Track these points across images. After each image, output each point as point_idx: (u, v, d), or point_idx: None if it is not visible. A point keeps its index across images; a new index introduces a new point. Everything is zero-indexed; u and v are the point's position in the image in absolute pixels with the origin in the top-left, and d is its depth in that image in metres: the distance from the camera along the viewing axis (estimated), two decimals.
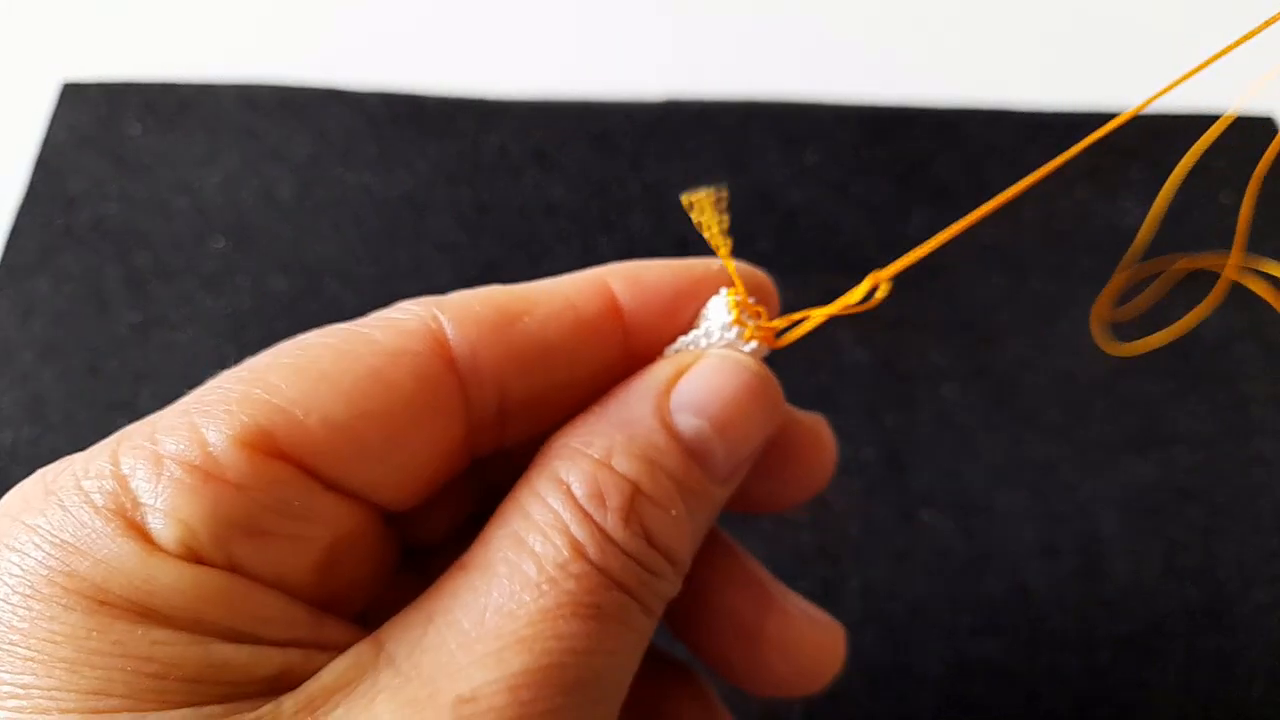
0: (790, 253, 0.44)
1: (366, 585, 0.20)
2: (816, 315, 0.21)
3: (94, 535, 0.16)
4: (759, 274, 0.22)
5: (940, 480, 0.39)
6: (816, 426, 0.23)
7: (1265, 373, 0.42)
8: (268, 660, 0.16)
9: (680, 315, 0.21)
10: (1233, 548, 0.38)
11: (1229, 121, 0.42)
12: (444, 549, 0.19)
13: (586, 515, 0.18)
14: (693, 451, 0.19)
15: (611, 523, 0.18)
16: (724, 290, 0.21)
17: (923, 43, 0.53)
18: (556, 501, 0.18)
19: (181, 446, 0.17)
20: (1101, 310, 0.33)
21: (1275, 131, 0.48)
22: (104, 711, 0.15)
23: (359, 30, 0.53)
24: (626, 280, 0.21)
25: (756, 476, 0.22)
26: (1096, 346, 0.43)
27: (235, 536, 0.16)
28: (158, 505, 0.16)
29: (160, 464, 0.16)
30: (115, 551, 0.16)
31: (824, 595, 0.37)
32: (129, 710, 0.15)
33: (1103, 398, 0.41)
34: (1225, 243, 0.45)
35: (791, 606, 0.23)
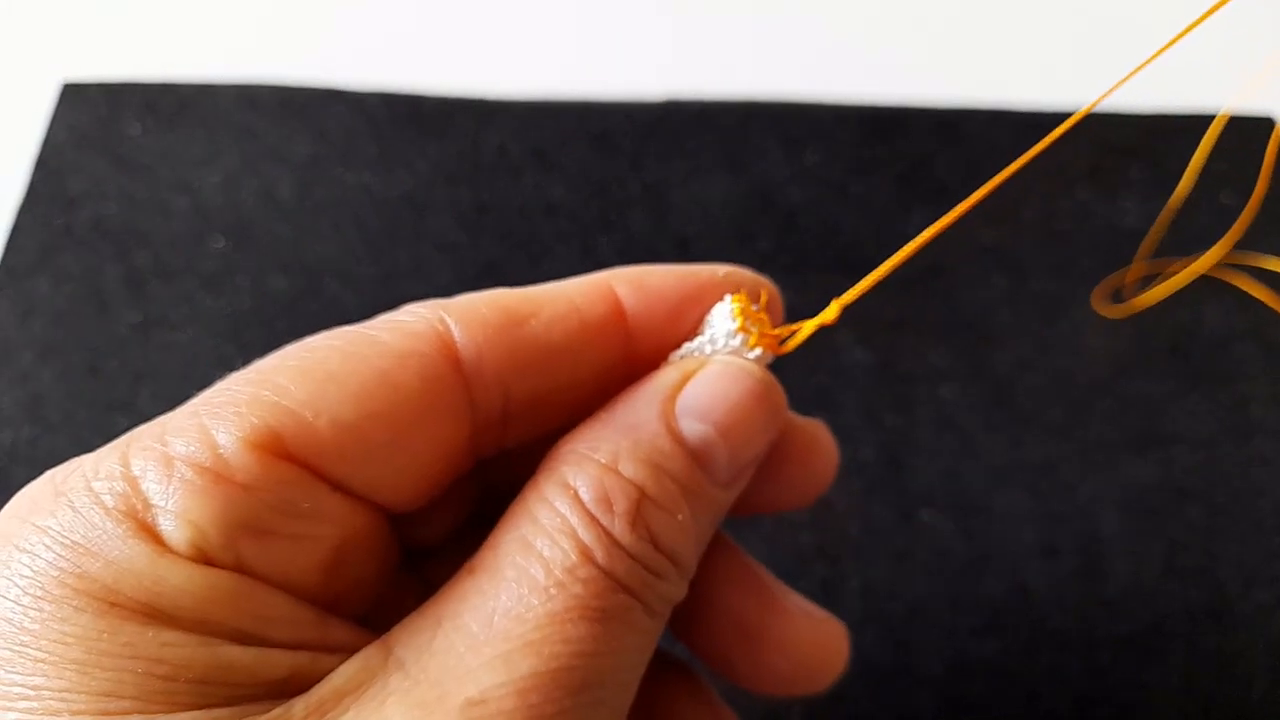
0: (790, 253, 0.44)
1: (371, 587, 0.20)
2: (808, 326, 0.21)
3: (104, 536, 0.16)
4: (764, 281, 0.22)
5: (940, 480, 0.39)
6: (817, 432, 0.24)
7: (1265, 373, 0.42)
8: (276, 662, 0.16)
9: (684, 321, 0.21)
10: (1233, 548, 0.38)
11: (1225, 121, 0.42)
12: (445, 550, 0.20)
13: (593, 520, 0.18)
14: (698, 456, 0.19)
15: (619, 527, 0.18)
16: (728, 297, 0.21)
17: (923, 43, 0.53)
18: (564, 506, 0.18)
19: (192, 448, 0.17)
20: (1108, 287, 0.33)
21: (1275, 131, 0.48)
22: (114, 713, 0.15)
23: (359, 30, 0.53)
24: (631, 285, 0.21)
25: (758, 481, 0.22)
26: (1096, 347, 0.43)
27: (244, 538, 0.17)
28: (168, 507, 0.16)
29: (170, 465, 0.16)
30: (126, 553, 0.16)
31: (824, 595, 0.37)
32: (139, 712, 0.15)
33: (1103, 398, 0.41)
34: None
35: (793, 606, 0.24)
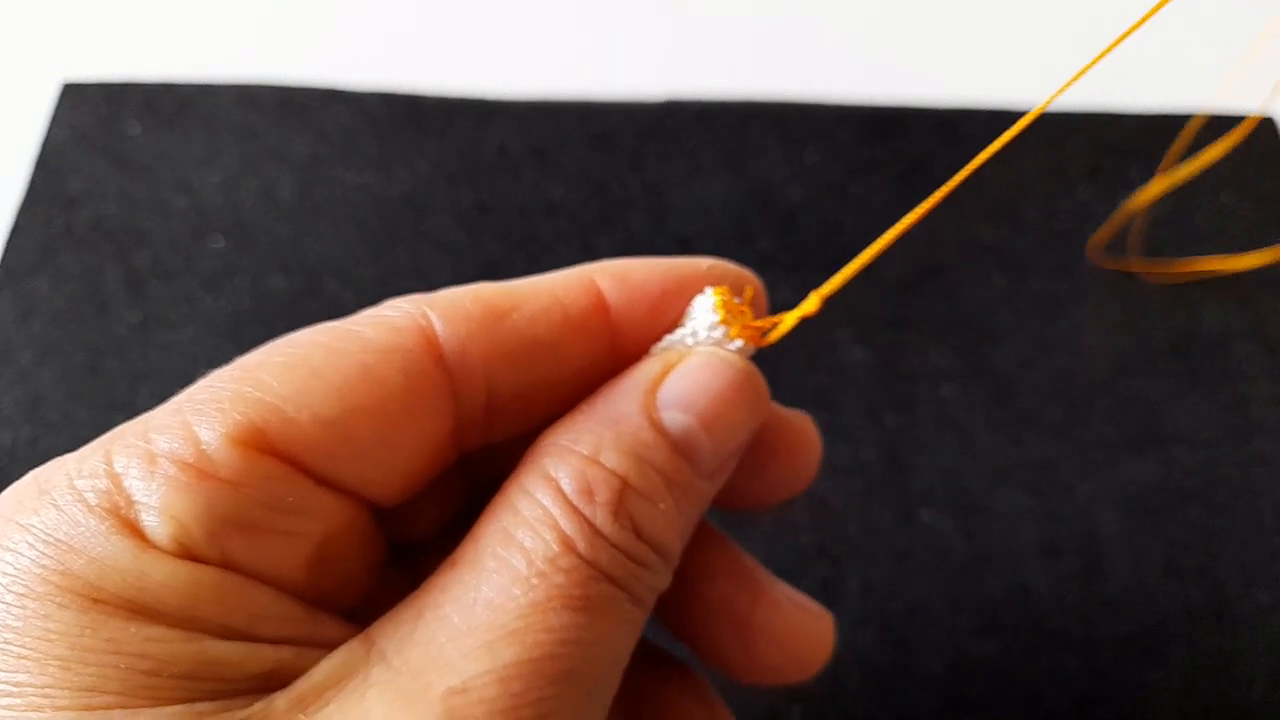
0: (790, 253, 0.44)
1: (357, 582, 0.20)
2: (789, 319, 0.21)
3: (88, 534, 0.16)
4: (746, 273, 0.22)
5: (940, 480, 0.39)
6: (801, 423, 0.24)
7: (1265, 373, 0.42)
8: (261, 657, 0.16)
9: (667, 313, 0.21)
10: (1233, 548, 0.38)
11: (1224, 122, 0.42)
12: (432, 546, 0.20)
13: (575, 510, 0.18)
14: (680, 447, 0.19)
15: (600, 517, 0.18)
16: (710, 289, 0.21)
17: (923, 43, 0.53)
18: (545, 497, 0.18)
19: (175, 444, 0.17)
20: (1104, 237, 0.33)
21: (1276, 131, 0.48)
22: (97, 708, 0.15)
23: (358, 30, 0.53)
24: (614, 278, 0.21)
25: (743, 472, 0.22)
26: (1097, 346, 0.43)
27: (229, 533, 0.17)
28: (151, 503, 0.16)
29: (154, 462, 0.17)
30: (109, 549, 0.16)
31: (824, 595, 0.37)
32: (122, 707, 0.15)
33: (1103, 398, 0.41)
34: (1224, 242, 0.45)
35: (780, 595, 0.24)
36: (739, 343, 0.21)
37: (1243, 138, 0.42)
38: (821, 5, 0.54)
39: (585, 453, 0.18)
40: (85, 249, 0.44)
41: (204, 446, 0.17)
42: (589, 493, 0.18)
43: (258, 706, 0.16)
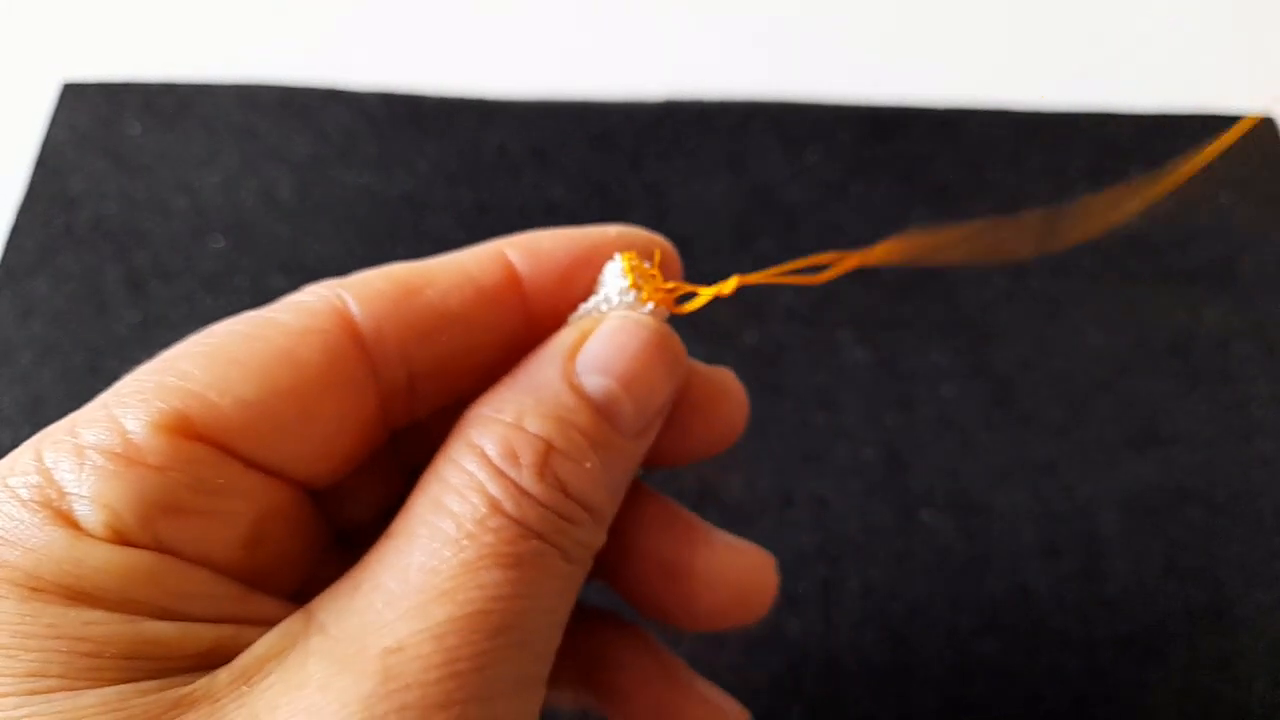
0: (790, 253, 0.44)
1: (296, 563, 0.20)
2: (705, 293, 0.22)
3: (22, 526, 0.16)
4: (655, 237, 0.23)
5: (940, 480, 0.39)
6: (724, 379, 0.24)
7: (1265, 373, 0.42)
8: (199, 636, 0.17)
9: (578, 282, 0.22)
10: (1233, 548, 0.38)
11: (1224, 122, 0.42)
12: (376, 529, 0.20)
13: (500, 473, 0.18)
14: (602, 410, 0.20)
15: (526, 477, 0.18)
16: (618, 255, 0.22)
17: (923, 43, 0.53)
18: (471, 464, 0.18)
19: (102, 436, 0.17)
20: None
21: (1276, 131, 0.48)
22: (40, 692, 0.15)
23: (358, 30, 0.53)
24: (523, 250, 0.21)
25: (671, 429, 0.22)
26: (1097, 346, 0.43)
27: (159, 516, 0.17)
28: (83, 492, 0.17)
29: (82, 454, 0.17)
30: (44, 539, 0.16)
31: (824, 595, 0.37)
32: (65, 690, 0.15)
33: (1103, 398, 0.41)
34: (1225, 244, 0.45)
35: (718, 541, 0.24)
36: (650, 306, 0.21)
37: (1242, 138, 0.42)
38: (821, 5, 0.54)
39: (509, 420, 0.19)
40: (85, 249, 0.44)
41: (130, 435, 0.17)
42: (514, 456, 0.18)
43: (200, 683, 0.16)
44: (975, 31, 0.54)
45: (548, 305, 0.21)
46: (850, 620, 0.36)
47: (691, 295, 0.22)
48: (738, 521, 0.38)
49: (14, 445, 0.42)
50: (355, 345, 0.20)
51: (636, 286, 0.21)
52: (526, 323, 0.21)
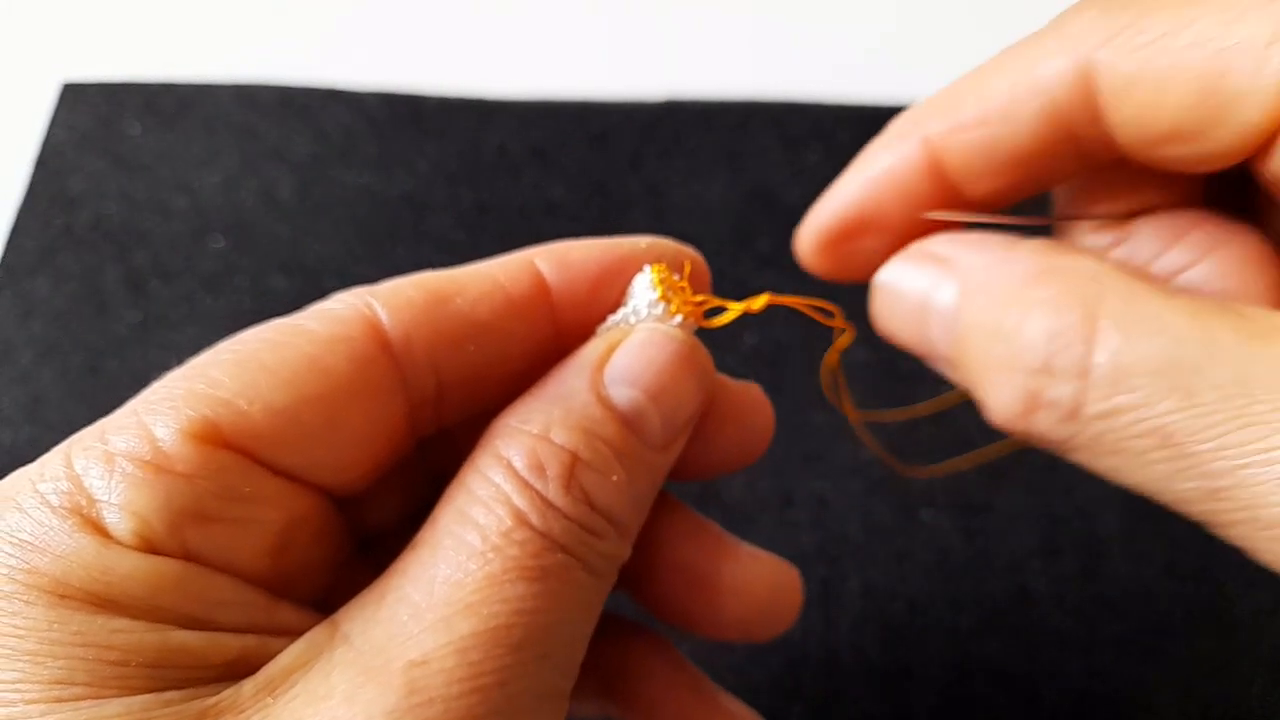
0: (790, 252, 0.44)
1: (322, 571, 0.20)
2: (734, 308, 0.22)
3: (52, 533, 0.17)
4: (686, 249, 0.23)
5: (940, 480, 0.39)
6: (752, 393, 0.24)
7: None
8: (225, 646, 0.17)
9: (607, 293, 0.22)
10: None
11: None
12: (400, 536, 0.20)
13: (527, 485, 0.18)
14: (628, 421, 0.20)
15: (552, 490, 0.18)
16: (648, 268, 0.22)
17: (923, 43, 0.53)
18: (498, 476, 0.19)
19: (132, 443, 0.17)
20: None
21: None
22: (67, 700, 0.15)
23: (358, 30, 0.53)
24: (553, 260, 0.21)
25: (698, 443, 0.22)
26: None
27: (188, 524, 0.17)
28: (112, 500, 0.17)
29: (112, 461, 0.17)
30: (73, 546, 0.16)
31: (824, 595, 0.37)
32: (91, 698, 0.15)
33: None
34: None
35: (744, 552, 0.24)
36: (679, 318, 0.21)
37: None
38: (821, 5, 0.54)
39: (535, 431, 0.19)
40: (85, 249, 0.44)
41: (160, 443, 0.17)
42: (540, 468, 0.18)
43: (225, 694, 0.16)
44: (975, 31, 0.54)
45: (576, 316, 0.21)
46: (850, 620, 0.36)
47: (721, 310, 0.22)
48: (738, 521, 0.38)
49: (14, 445, 0.42)
50: (384, 353, 0.19)
51: (665, 299, 0.21)
52: (555, 333, 0.21)
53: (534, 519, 0.18)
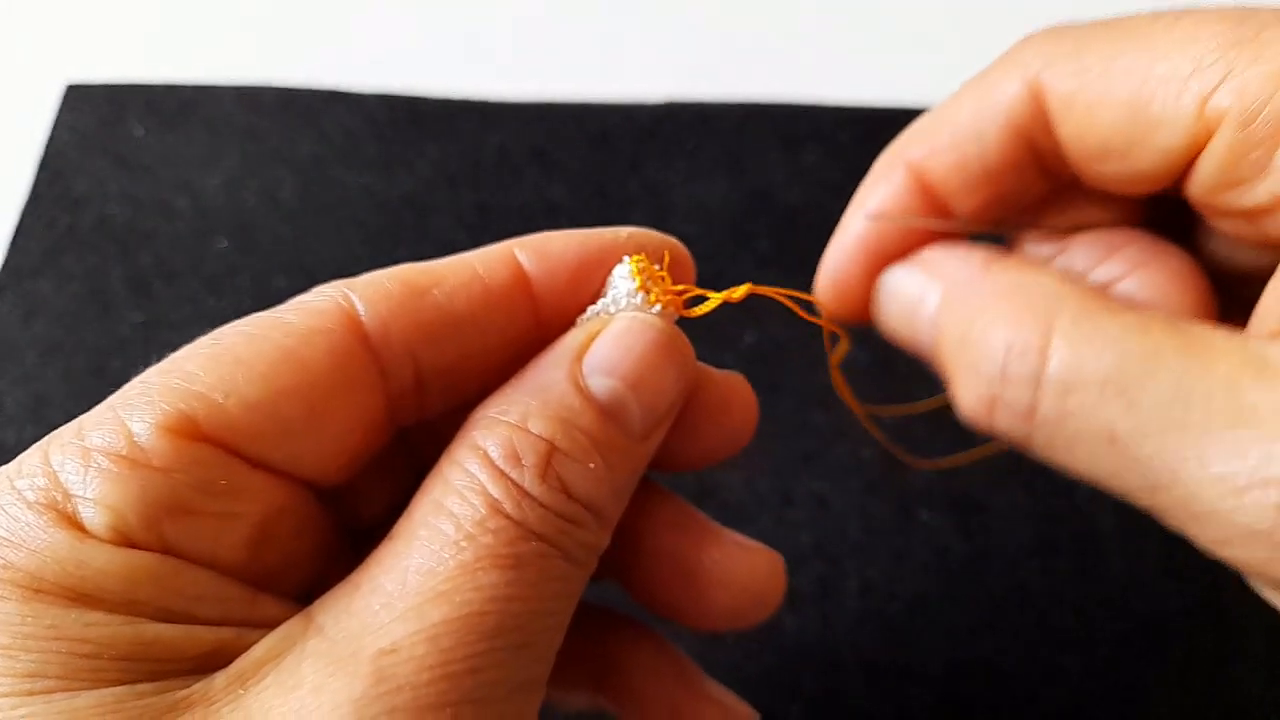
0: (790, 253, 0.45)
1: (307, 564, 0.20)
2: (715, 297, 0.22)
3: (27, 528, 0.17)
4: (667, 239, 0.23)
5: (940, 480, 0.39)
6: (735, 383, 0.24)
7: None
8: (200, 638, 0.17)
9: (587, 283, 0.22)
10: None
11: None
12: (385, 530, 0.20)
13: (502, 474, 0.18)
14: (607, 410, 0.20)
15: (528, 479, 0.18)
16: (627, 258, 0.22)
17: (923, 43, 0.53)
18: (474, 465, 0.19)
19: (108, 439, 0.17)
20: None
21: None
22: (39, 693, 0.16)
23: (360, 32, 0.53)
24: (533, 251, 0.21)
25: (680, 433, 0.22)
26: None
27: (165, 518, 0.17)
28: (87, 495, 0.17)
29: (88, 456, 0.17)
30: (48, 541, 0.17)
31: (824, 595, 0.37)
32: (63, 690, 0.16)
33: None
34: None
35: (727, 540, 0.24)
36: (658, 308, 0.21)
37: None
38: (821, 5, 0.54)
39: (513, 421, 0.19)
40: (89, 250, 0.44)
41: (136, 438, 0.17)
42: (516, 458, 0.18)
43: (197, 686, 0.16)
44: (975, 32, 0.54)
45: (557, 307, 0.21)
46: (849, 619, 0.36)
47: (701, 299, 0.22)
48: (737, 520, 0.38)
49: (17, 445, 0.43)
50: (361, 345, 0.20)
51: (645, 288, 0.21)
52: (535, 324, 0.21)
53: (509, 508, 0.18)
